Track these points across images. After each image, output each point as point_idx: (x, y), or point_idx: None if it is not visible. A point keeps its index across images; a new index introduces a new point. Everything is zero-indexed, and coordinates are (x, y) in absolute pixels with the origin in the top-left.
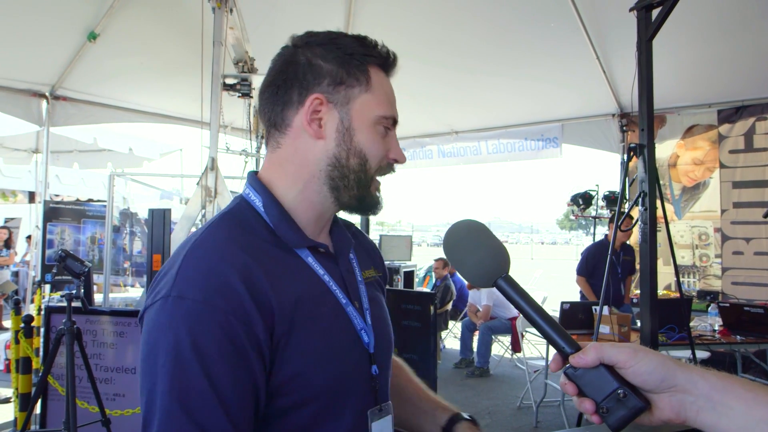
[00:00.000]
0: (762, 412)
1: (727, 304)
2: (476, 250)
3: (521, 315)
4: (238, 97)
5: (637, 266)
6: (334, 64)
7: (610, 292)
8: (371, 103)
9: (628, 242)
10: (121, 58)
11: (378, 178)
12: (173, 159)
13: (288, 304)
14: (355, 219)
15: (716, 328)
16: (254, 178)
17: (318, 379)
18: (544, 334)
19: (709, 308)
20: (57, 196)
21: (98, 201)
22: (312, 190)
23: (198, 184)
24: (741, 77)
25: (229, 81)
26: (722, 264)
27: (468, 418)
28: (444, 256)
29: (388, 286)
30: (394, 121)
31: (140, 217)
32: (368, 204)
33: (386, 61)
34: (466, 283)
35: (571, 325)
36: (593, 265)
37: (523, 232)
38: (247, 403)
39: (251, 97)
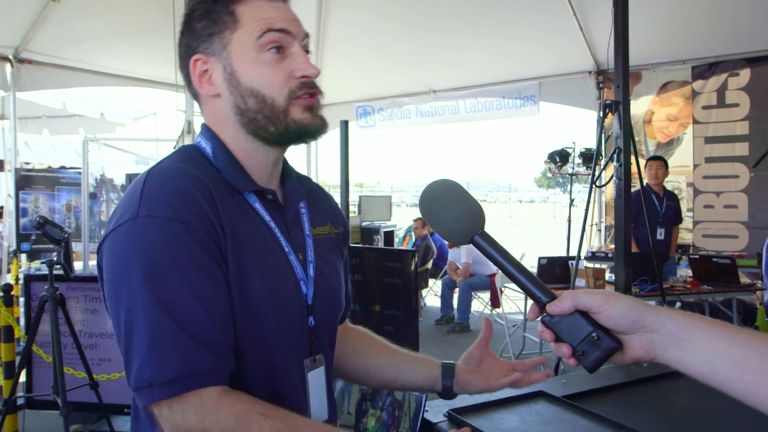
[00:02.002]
0: (722, 346)
1: (697, 256)
2: (452, 209)
3: (499, 270)
4: None
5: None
6: (204, 20)
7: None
8: (243, 37)
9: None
10: (90, 20)
11: (301, 99)
12: (147, 123)
13: (237, 236)
14: (334, 175)
15: (687, 279)
16: (205, 126)
17: (259, 317)
18: (521, 286)
19: (680, 260)
20: (27, 164)
21: (71, 168)
22: (240, 140)
23: (174, 147)
24: (715, 34)
25: None
26: (694, 218)
27: (454, 363)
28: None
29: (368, 245)
30: (285, 33)
31: (116, 183)
32: (296, 132)
33: None
34: (446, 242)
35: (549, 280)
36: (636, 211)
37: (502, 191)
38: (226, 310)
39: None
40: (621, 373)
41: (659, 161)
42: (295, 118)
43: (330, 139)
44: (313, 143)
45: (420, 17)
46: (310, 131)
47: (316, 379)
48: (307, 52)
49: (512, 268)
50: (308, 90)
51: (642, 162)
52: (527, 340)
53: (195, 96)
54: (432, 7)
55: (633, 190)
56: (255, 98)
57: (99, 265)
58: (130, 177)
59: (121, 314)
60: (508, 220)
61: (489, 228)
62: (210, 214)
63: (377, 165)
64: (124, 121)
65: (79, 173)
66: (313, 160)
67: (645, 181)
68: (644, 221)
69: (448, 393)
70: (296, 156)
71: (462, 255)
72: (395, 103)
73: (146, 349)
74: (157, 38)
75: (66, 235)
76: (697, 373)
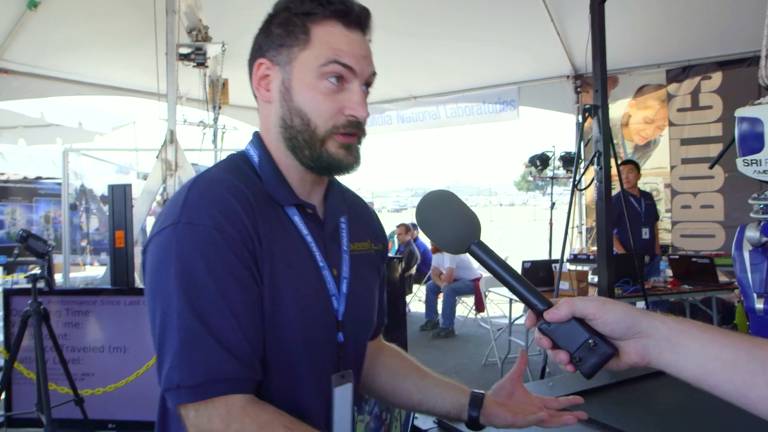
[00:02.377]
0: (714, 349)
1: (677, 257)
2: (449, 218)
3: (494, 277)
4: (193, 66)
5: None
6: (281, 28)
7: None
8: (309, 59)
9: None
10: (68, 28)
11: (342, 136)
12: (126, 132)
13: (272, 248)
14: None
15: (667, 279)
16: (256, 134)
17: (289, 330)
18: (518, 294)
19: (661, 261)
20: (2, 174)
21: (48, 178)
22: (281, 152)
23: (157, 157)
24: (687, 38)
25: (183, 50)
26: (672, 218)
27: (484, 393)
28: (406, 222)
29: None
30: (348, 69)
31: (96, 193)
32: (328, 164)
33: (341, 13)
34: (429, 247)
35: (533, 283)
36: (618, 214)
37: (482, 195)
38: (257, 321)
39: (206, 66)
40: (606, 375)
41: (629, 165)
42: (330, 150)
43: None
44: None
45: (400, 22)
46: (339, 167)
47: (342, 395)
48: (369, 86)
49: (508, 277)
50: (352, 129)
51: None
52: (512, 344)
53: (255, 96)
54: (413, 13)
55: (614, 193)
56: (300, 119)
57: (143, 265)
58: (113, 188)
59: (157, 316)
60: (489, 223)
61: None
62: (248, 225)
63: (358, 170)
64: (103, 130)
65: (58, 184)
66: None
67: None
68: (629, 222)
69: (473, 424)
70: None
71: (446, 260)
72: (377, 109)
73: (177, 352)
74: (137, 46)
75: (50, 249)
76: (690, 377)
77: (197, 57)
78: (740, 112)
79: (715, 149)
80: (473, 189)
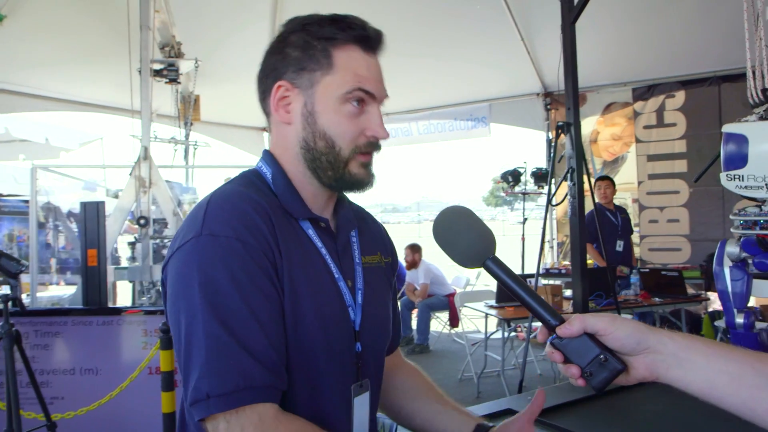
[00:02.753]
0: (720, 363)
1: (647, 270)
2: (466, 234)
3: (508, 292)
4: (166, 82)
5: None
6: (299, 51)
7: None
8: (333, 84)
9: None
10: (36, 44)
11: (362, 156)
12: (93, 148)
13: (291, 260)
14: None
15: (637, 292)
16: (267, 152)
17: (309, 340)
18: (531, 309)
19: (631, 274)
20: None
21: (9, 195)
22: (298, 170)
23: (131, 174)
24: (652, 57)
25: (156, 66)
26: (640, 232)
27: (491, 425)
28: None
29: None
30: (369, 95)
31: (63, 210)
32: (349, 183)
33: (361, 39)
34: (403, 263)
35: (508, 298)
36: (594, 230)
37: None
38: (280, 329)
39: (179, 83)
40: (583, 388)
41: (607, 181)
42: (352, 171)
43: None
44: None
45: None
46: (360, 185)
47: (361, 404)
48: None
49: (523, 292)
50: (372, 149)
51: (592, 181)
52: (488, 359)
53: (267, 114)
54: (385, 30)
55: (589, 209)
56: (325, 142)
57: (163, 283)
58: (85, 205)
59: (182, 329)
60: None
61: (440, 249)
62: (268, 235)
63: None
64: (70, 146)
65: (23, 201)
66: None
67: (596, 200)
68: (605, 236)
69: None
70: None
71: (420, 276)
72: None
73: (204, 362)
74: (107, 62)
75: (23, 268)
76: (697, 391)
77: (170, 73)
78: (727, 128)
79: (680, 165)
80: (442, 205)
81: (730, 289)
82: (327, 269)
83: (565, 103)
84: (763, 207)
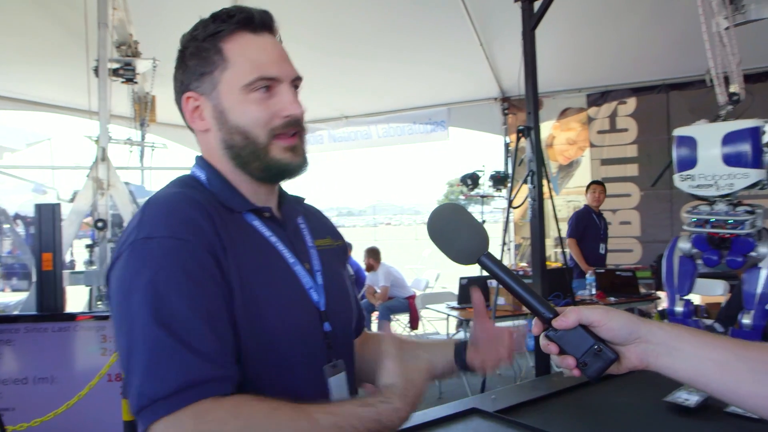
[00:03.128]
0: (706, 351)
1: (602, 270)
2: (461, 231)
3: (502, 286)
4: (122, 82)
5: None
6: (195, 59)
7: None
8: (232, 78)
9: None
10: None
11: (282, 139)
12: (41, 149)
13: (239, 255)
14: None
15: (593, 292)
16: (200, 157)
17: (270, 327)
18: (526, 303)
19: (587, 275)
20: None
21: None
22: (231, 171)
23: (88, 176)
24: (606, 65)
25: (112, 65)
26: None
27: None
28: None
29: None
30: (273, 79)
31: (10, 213)
32: (276, 171)
33: (245, 21)
34: (362, 266)
35: (470, 299)
36: (583, 228)
37: (406, 214)
38: (224, 321)
39: (136, 82)
40: (544, 385)
41: (600, 186)
42: (276, 156)
43: None
44: None
45: (332, 43)
46: (289, 169)
47: (337, 385)
48: (296, 87)
49: (517, 287)
50: (291, 129)
51: (550, 185)
52: None
53: (191, 129)
54: (345, 33)
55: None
56: (240, 135)
57: (108, 296)
58: (41, 207)
59: (123, 338)
60: (416, 242)
61: (398, 252)
62: (207, 230)
63: (286, 189)
64: (16, 146)
65: None
66: None
67: (587, 203)
68: (590, 238)
69: (466, 367)
70: None
71: (380, 279)
72: (308, 129)
73: (145, 366)
74: (60, 62)
75: None
76: (685, 377)
77: (126, 72)
78: (678, 132)
79: (631, 169)
80: (397, 208)
81: (676, 274)
82: (278, 256)
83: (525, 108)
84: (713, 206)
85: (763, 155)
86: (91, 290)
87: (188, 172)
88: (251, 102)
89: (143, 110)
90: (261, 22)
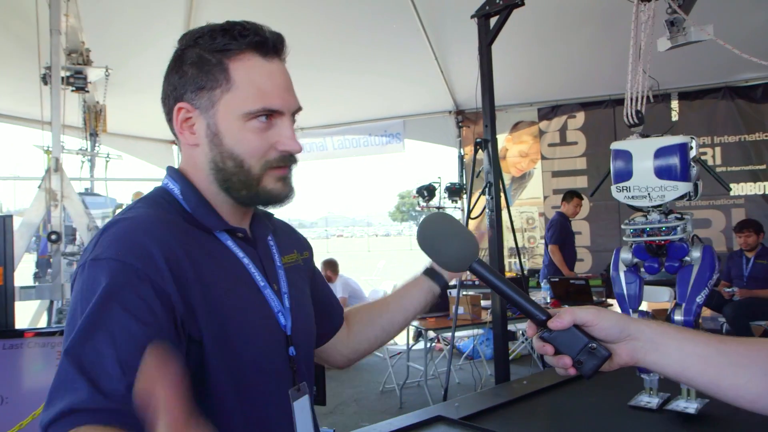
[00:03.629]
0: (690, 346)
1: (557, 279)
2: (452, 239)
3: (494, 292)
4: (72, 91)
5: None
6: (195, 68)
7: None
8: (234, 101)
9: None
10: None
11: (276, 170)
12: None
13: (206, 280)
14: None
15: (548, 300)
16: (173, 169)
17: (238, 353)
18: (519, 307)
19: (542, 283)
20: None
21: None
22: (211, 189)
23: (39, 187)
24: (556, 80)
25: (63, 73)
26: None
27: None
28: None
29: None
30: (275, 112)
31: None
32: (265, 198)
33: (257, 45)
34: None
35: (429, 309)
36: (565, 235)
37: (358, 226)
38: (140, 357)
39: (87, 91)
40: (506, 392)
41: (581, 198)
42: (267, 186)
43: None
44: None
45: (288, 55)
46: (278, 199)
47: (301, 408)
48: (294, 116)
49: (510, 291)
50: (285, 162)
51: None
52: (411, 369)
53: (174, 135)
54: (300, 45)
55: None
56: (233, 161)
57: None
58: None
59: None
60: (368, 253)
61: (352, 263)
62: (156, 257)
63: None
64: None
65: None
66: None
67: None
68: (569, 243)
69: (447, 285)
70: None
71: (338, 290)
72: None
73: (51, 390)
74: (10, 71)
75: None
76: (671, 372)
77: (77, 81)
78: (615, 146)
79: (581, 181)
80: (348, 220)
81: (625, 291)
82: (250, 279)
83: (479, 121)
84: (648, 216)
85: (691, 169)
86: (50, 305)
87: (160, 185)
88: (249, 130)
89: (92, 120)
90: (273, 47)
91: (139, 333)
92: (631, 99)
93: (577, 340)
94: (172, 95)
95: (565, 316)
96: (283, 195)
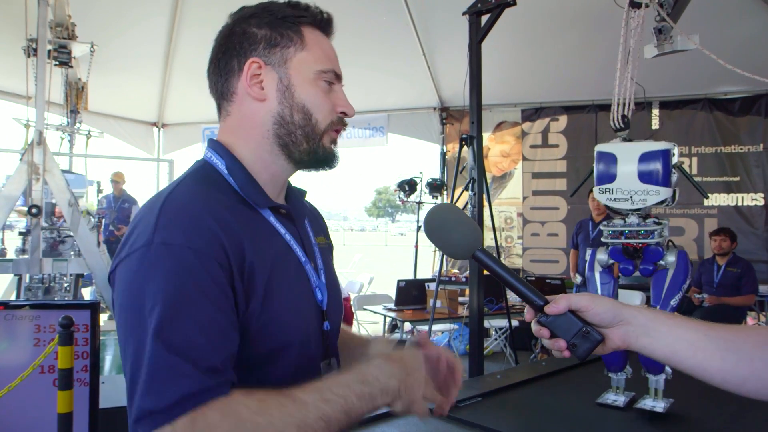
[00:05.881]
0: (679, 332)
1: (533, 278)
2: (457, 228)
3: (496, 279)
4: (55, 65)
5: None
6: (267, 29)
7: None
8: (308, 59)
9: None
10: None
11: (334, 131)
12: None
13: (261, 256)
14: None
15: None
16: (216, 142)
17: (290, 328)
18: (519, 293)
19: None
20: None
21: None
22: (264, 150)
23: (21, 159)
24: (540, 83)
25: (47, 47)
26: (523, 244)
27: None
28: None
29: None
30: (337, 76)
31: None
32: (321, 158)
33: (320, 21)
34: None
35: (407, 301)
36: (585, 237)
37: (334, 219)
38: (230, 334)
39: (71, 66)
40: (479, 385)
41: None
42: (325, 145)
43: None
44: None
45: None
46: (330, 160)
47: None
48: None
49: (511, 278)
50: (342, 126)
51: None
52: None
53: (221, 95)
54: None
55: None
56: (303, 114)
57: (112, 297)
58: None
59: (131, 347)
60: (343, 247)
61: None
62: (223, 240)
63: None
64: None
65: None
66: (163, 182)
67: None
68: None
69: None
70: (151, 179)
71: None
72: None
73: (147, 380)
74: None
75: None
76: (662, 356)
77: (61, 55)
78: (600, 148)
79: (560, 183)
80: (324, 213)
81: (600, 291)
82: (293, 254)
83: (463, 118)
84: (627, 219)
85: (671, 175)
86: (19, 280)
87: (201, 158)
88: (319, 89)
89: (75, 97)
90: (329, 25)
91: (218, 314)
92: (618, 103)
93: (572, 325)
94: (239, 53)
95: (561, 302)
96: (334, 157)
